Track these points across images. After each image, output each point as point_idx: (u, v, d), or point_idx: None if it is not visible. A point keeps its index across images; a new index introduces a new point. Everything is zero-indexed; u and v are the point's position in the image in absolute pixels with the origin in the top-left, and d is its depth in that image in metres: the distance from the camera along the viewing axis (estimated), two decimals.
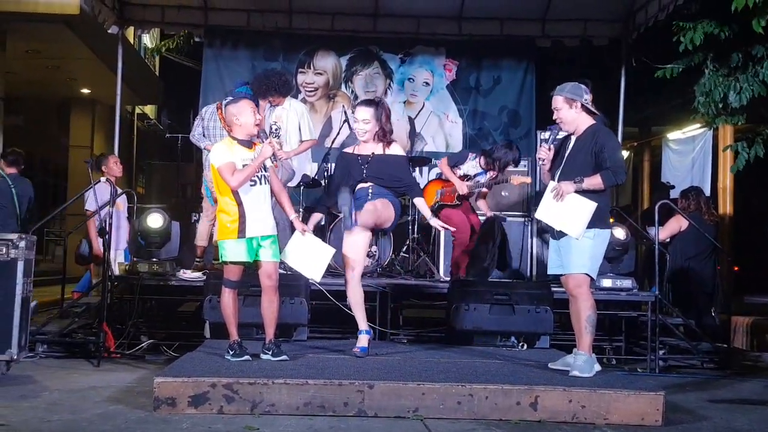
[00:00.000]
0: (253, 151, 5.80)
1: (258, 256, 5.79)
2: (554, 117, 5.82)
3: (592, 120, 5.76)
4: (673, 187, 11.43)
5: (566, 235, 5.59)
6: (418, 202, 6.32)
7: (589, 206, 5.53)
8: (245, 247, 5.74)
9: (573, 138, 5.79)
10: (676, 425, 5.02)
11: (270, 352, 5.78)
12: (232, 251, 5.76)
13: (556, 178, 5.72)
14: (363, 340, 6.12)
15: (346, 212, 6.04)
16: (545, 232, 6.87)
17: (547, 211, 5.69)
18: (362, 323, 6.17)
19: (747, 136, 9.03)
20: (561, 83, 5.89)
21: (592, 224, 5.56)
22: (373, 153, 6.15)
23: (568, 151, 5.77)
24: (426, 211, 6.34)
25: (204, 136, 7.93)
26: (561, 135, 5.94)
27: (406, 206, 8.25)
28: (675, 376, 7.12)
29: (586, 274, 5.63)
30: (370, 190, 6.12)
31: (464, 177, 8.07)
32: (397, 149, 6.24)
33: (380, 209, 6.04)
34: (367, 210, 6.01)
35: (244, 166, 5.69)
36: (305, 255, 6.10)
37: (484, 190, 8.20)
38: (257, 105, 6.45)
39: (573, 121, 5.73)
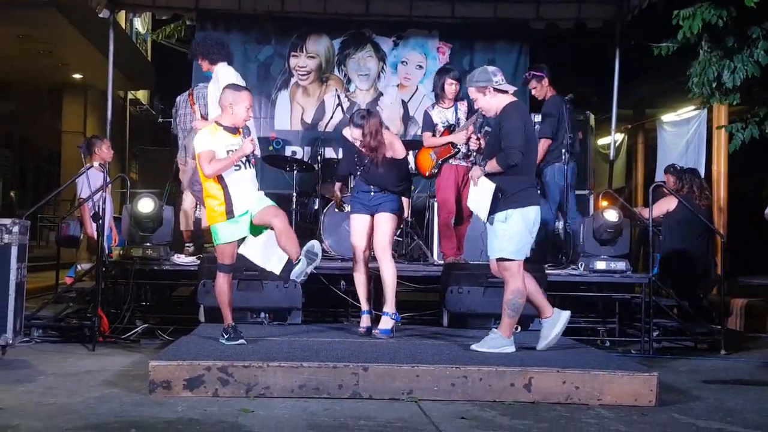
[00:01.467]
0: (238, 137, 5.83)
1: (254, 212, 5.78)
2: (476, 107, 6.01)
3: (509, 99, 5.81)
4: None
5: (491, 222, 5.69)
6: (404, 201, 6.78)
7: (488, 186, 5.62)
8: (237, 225, 5.78)
9: (495, 121, 5.91)
10: (669, 405, 5.04)
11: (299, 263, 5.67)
12: (225, 233, 5.80)
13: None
14: (365, 320, 6.53)
15: None
16: None
17: (471, 198, 5.89)
18: (364, 304, 6.55)
19: (744, 117, 9.01)
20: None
21: (502, 206, 5.61)
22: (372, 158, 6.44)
23: None
24: (406, 210, 7.08)
25: (176, 125, 7.84)
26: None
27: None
28: (669, 357, 7.15)
29: (506, 259, 5.67)
30: (372, 193, 6.47)
31: (449, 128, 7.95)
32: (395, 150, 6.47)
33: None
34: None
35: (228, 152, 5.73)
36: (265, 247, 6.11)
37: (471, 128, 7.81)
38: None
39: (492, 107, 5.81)
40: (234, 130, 5.84)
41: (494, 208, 5.63)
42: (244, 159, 5.79)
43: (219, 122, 5.89)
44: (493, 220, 5.64)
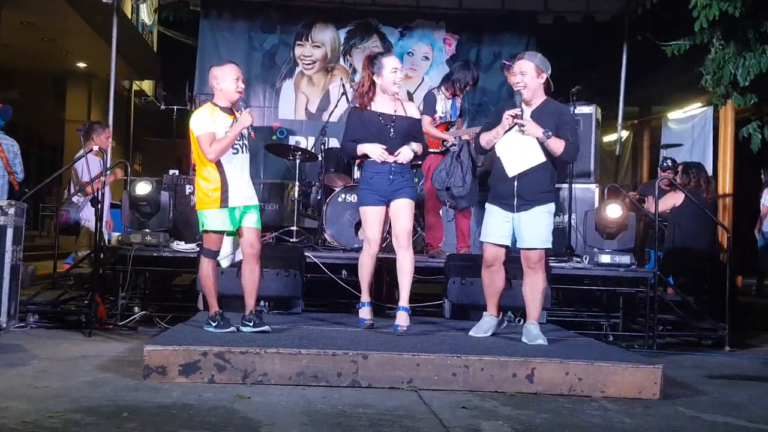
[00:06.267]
0: (234, 119, 5.66)
1: (241, 223, 5.68)
2: (516, 80, 5.81)
3: (545, 96, 5.88)
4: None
5: (528, 209, 5.69)
6: (417, 146, 6.12)
7: (539, 157, 5.66)
8: (228, 216, 5.62)
9: (527, 108, 5.81)
10: (674, 399, 4.95)
11: (251, 324, 5.63)
12: (214, 220, 5.63)
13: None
14: (368, 312, 6.13)
15: None
16: None
17: (503, 147, 5.77)
18: (366, 294, 6.13)
19: (760, 114, 8.95)
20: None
21: (550, 199, 5.78)
22: (395, 112, 6.04)
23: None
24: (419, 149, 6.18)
25: None
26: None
27: None
28: (673, 352, 7.05)
29: (543, 249, 5.81)
30: (390, 175, 5.95)
31: (446, 123, 7.82)
32: (413, 110, 6.25)
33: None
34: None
35: (226, 133, 5.58)
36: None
37: (466, 137, 7.55)
38: None
39: (534, 90, 5.79)
40: (230, 111, 5.67)
41: (541, 196, 5.72)
42: (241, 143, 5.65)
43: (215, 102, 5.70)
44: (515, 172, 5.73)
